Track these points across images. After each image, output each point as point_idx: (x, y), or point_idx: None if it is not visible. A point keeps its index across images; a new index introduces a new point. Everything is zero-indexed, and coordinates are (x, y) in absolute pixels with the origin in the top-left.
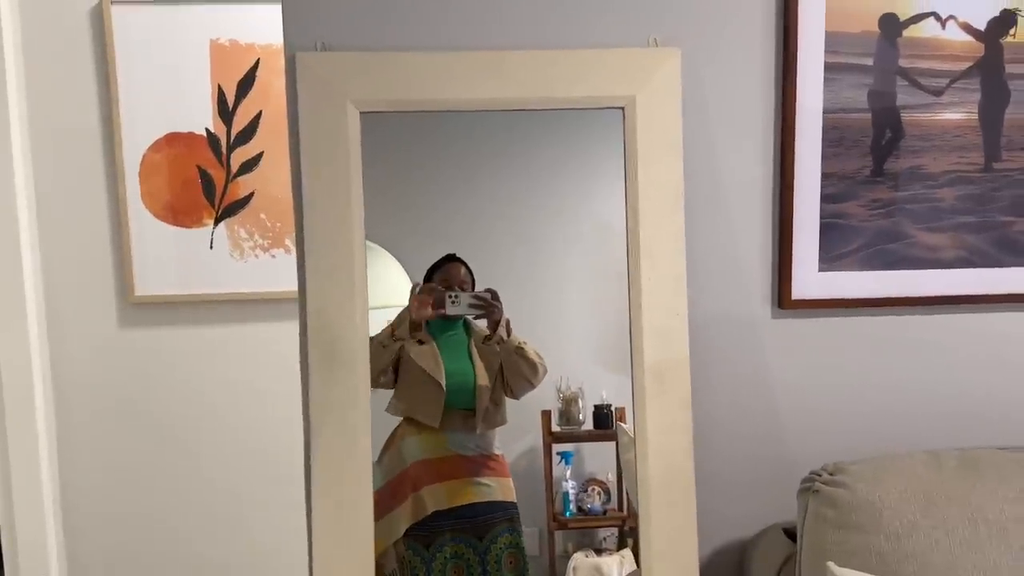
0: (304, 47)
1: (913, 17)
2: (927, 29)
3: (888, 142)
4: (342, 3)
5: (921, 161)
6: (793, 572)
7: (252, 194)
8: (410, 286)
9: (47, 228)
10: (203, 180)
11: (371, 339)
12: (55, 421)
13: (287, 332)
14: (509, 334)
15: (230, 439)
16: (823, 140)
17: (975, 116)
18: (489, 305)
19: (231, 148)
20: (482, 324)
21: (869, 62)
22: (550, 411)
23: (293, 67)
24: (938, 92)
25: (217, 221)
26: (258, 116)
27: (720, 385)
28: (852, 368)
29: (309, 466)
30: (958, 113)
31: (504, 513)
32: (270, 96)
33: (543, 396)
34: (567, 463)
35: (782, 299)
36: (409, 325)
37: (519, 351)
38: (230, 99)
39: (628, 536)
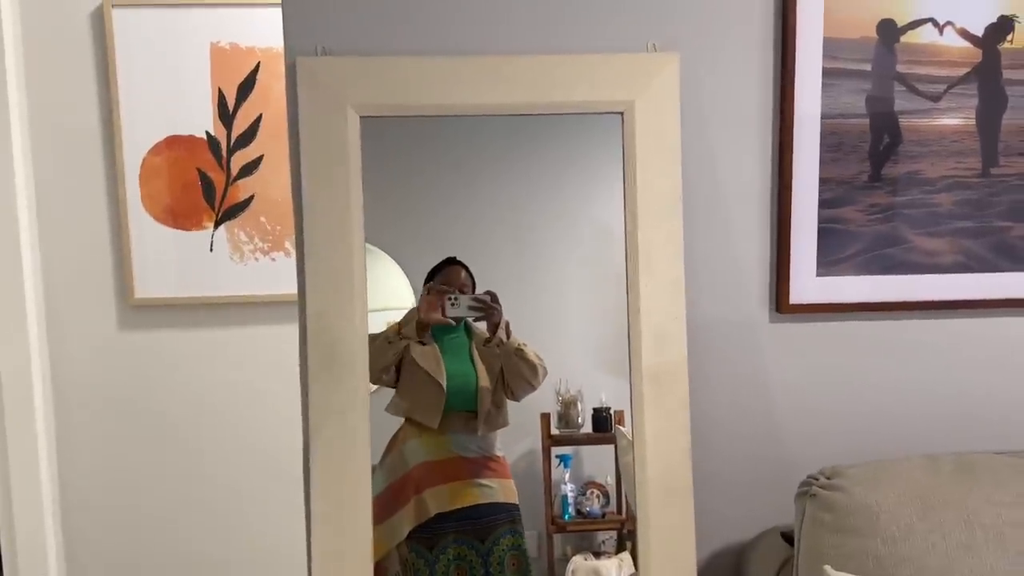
0: (305, 51)
1: (911, 23)
2: (925, 35)
3: (886, 147)
4: (343, 8)
5: (919, 166)
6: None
7: (252, 197)
8: (410, 289)
9: (47, 230)
10: (203, 183)
11: (376, 336)
12: (54, 423)
13: (287, 335)
14: (509, 336)
15: (230, 441)
16: (821, 145)
17: (973, 122)
18: (489, 307)
19: (231, 151)
20: (483, 326)
21: (867, 68)
22: (549, 414)
23: (293, 71)
24: (936, 98)
25: (217, 224)
26: (258, 119)
27: (718, 389)
28: (850, 372)
29: (308, 468)
30: (956, 119)
31: (506, 515)
32: (270, 99)
33: (542, 399)
34: (566, 466)
35: (780, 303)
36: (417, 326)
37: (519, 353)
38: (230, 102)
39: (627, 539)
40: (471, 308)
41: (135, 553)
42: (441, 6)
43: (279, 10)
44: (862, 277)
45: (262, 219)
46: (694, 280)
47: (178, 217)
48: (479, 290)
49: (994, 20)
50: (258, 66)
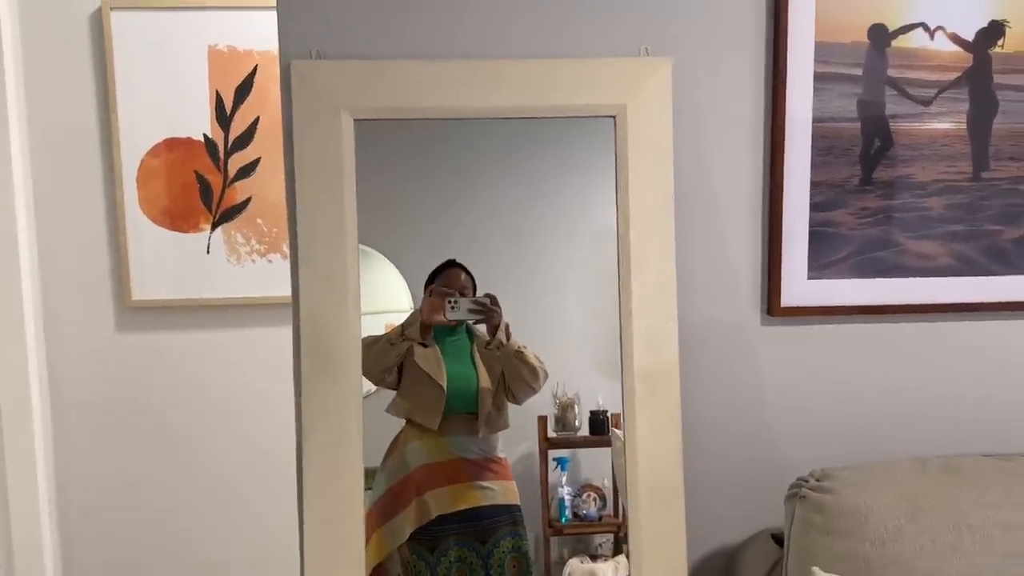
0: (299, 55)
1: (902, 28)
2: (916, 40)
3: (877, 151)
4: (337, 12)
5: (910, 170)
6: None
7: (249, 199)
8: (408, 292)
9: (45, 231)
10: (200, 185)
11: (379, 338)
12: (51, 424)
13: (283, 337)
14: (509, 338)
15: (227, 442)
16: (812, 149)
17: (963, 126)
18: (488, 310)
19: (228, 153)
20: (483, 329)
21: (858, 72)
22: (546, 417)
23: (288, 75)
24: (927, 102)
25: (214, 226)
26: (255, 122)
27: (710, 391)
28: (841, 375)
29: (301, 470)
30: (947, 123)
31: (508, 516)
32: (267, 102)
33: (539, 401)
34: (563, 469)
35: (771, 306)
36: (420, 328)
37: (519, 355)
38: (228, 105)
39: (624, 542)
40: (471, 311)
41: (132, 555)
42: (434, 11)
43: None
44: (853, 280)
45: (259, 221)
46: (686, 282)
47: (175, 219)
48: (479, 293)
49: (984, 25)
50: (255, 69)
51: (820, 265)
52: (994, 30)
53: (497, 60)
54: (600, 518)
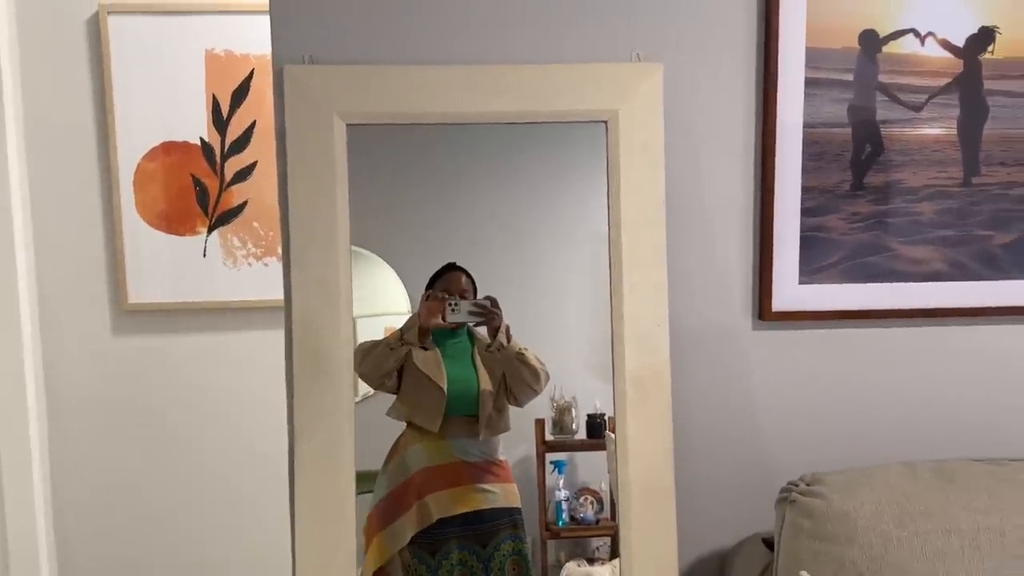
0: (292, 60)
1: (893, 34)
2: (906, 45)
3: (868, 156)
4: (330, 17)
5: (901, 175)
6: None
7: (245, 203)
8: (406, 295)
9: (41, 235)
10: (197, 189)
11: (378, 343)
12: (48, 427)
13: (279, 340)
14: (509, 340)
15: (223, 445)
16: (803, 154)
17: (954, 131)
18: (489, 312)
19: (225, 157)
20: (484, 332)
21: (849, 77)
22: (544, 420)
23: (281, 79)
24: (917, 107)
25: (211, 229)
26: (252, 126)
27: (701, 395)
28: (832, 379)
29: (293, 473)
30: (937, 128)
31: (508, 519)
32: (264, 106)
33: (537, 405)
34: (560, 472)
35: (763, 311)
36: (418, 331)
37: (520, 357)
38: (224, 109)
39: None
40: (471, 313)
41: (128, 556)
42: (427, 17)
43: None
44: (844, 285)
45: (255, 225)
46: (678, 287)
47: (172, 222)
48: (480, 295)
49: (975, 31)
50: (252, 73)
51: (811, 270)
52: (984, 36)
53: (489, 65)
54: (597, 521)
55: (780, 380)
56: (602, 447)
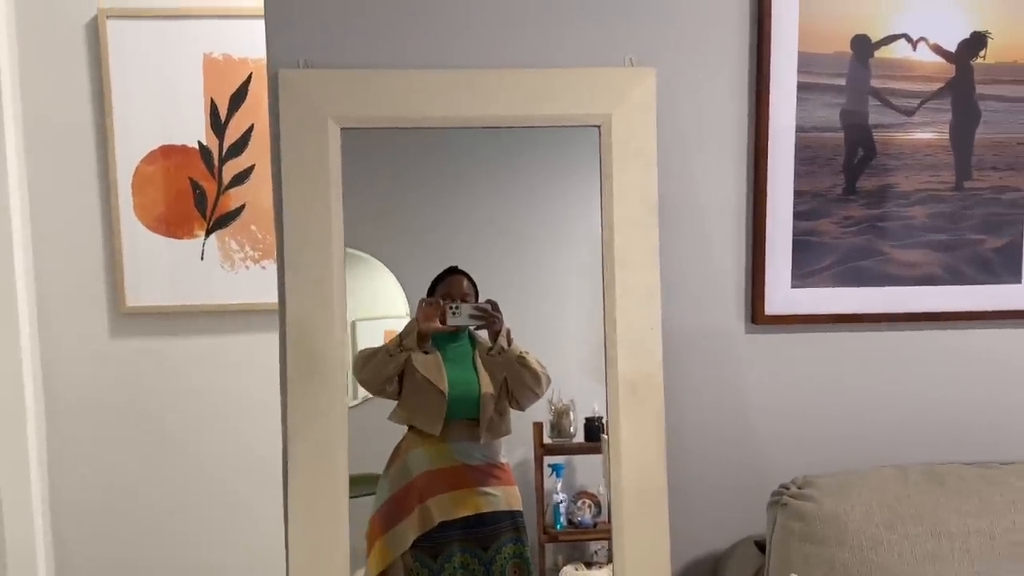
0: (287, 64)
1: (885, 39)
2: (898, 50)
3: (860, 161)
4: (325, 22)
5: (893, 179)
6: None
7: (243, 206)
8: (405, 299)
9: (40, 237)
10: (195, 192)
11: (377, 350)
12: (46, 430)
13: (276, 343)
14: (510, 344)
15: (221, 448)
16: (796, 158)
17: (946, 136)
18: (490, 316)
19: (223, 161)
20: (486, 335)
21: (841, 82)
22: (542, 423)
23: (276, 83)
24: (909, 112)
25: (208, 233)
26: (250, 129)
27: (694, 398)
28: (824, 383)
29: (287, 474)
30: (929, 133)
31: (510, 522)
32: (262, 110)
33: (535, 408)
34: (558, 475)
35: (755, 314)
36: (417, 336)
37: (521, 360)
38: (223, 112)
39: None
40: (472, 317)
41: (126, 558)
42: (421, 22)
43: None
44: (837, 289)
45: (253, 228)
46: (671, 290)
47: (170, 226)
48: (480, 299)
49: (967, 36)
50: (250, 77)
51: (804, 274)
52: (976, 41)
53: (482, 70)
54: (595, 525)
55: (773, 383)
56: (600, 450)
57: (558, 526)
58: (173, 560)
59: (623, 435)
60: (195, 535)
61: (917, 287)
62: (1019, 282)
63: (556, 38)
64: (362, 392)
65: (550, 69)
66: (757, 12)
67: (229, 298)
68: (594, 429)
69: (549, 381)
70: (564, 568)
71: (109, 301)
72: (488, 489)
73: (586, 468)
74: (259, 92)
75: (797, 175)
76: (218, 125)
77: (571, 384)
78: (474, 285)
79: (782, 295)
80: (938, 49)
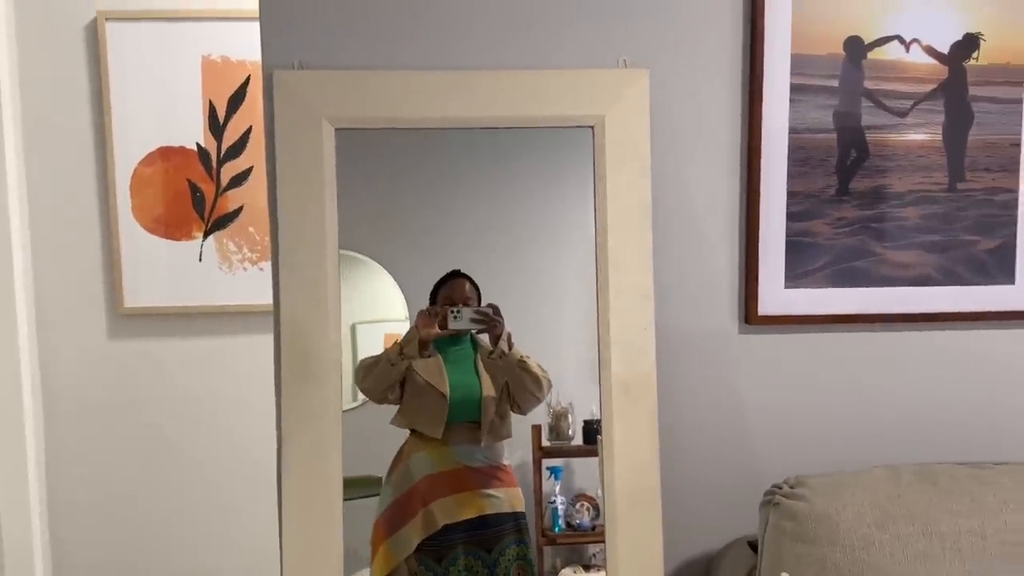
0: (282, 65)
1: (877, 40)
2: (891, 52)
3: (853, 162)
4: (320, 23)
5: (886, 180)
6: None
7: (241, 208)
8: (404, 302)
9: (38, 238)
10: (193, 194)
11: (379, 359)
12: (44, 431)
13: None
14: (511, 348)
15: (218, 449)
16: (789, 159)
17: (939, 137)
18: (490, 320)
19: (221, 162)
20: (487, 338)
21: (834, 84)
22: (540, 426)
23: (271, 84)
24: (902, 113)
25: (206, 234)
26: (248, 131)
27: (688, 399)
28: (818, 383)
29: (281, 475)
30: (922, 134)
31: (513, 524)
32: (260, 112)
33: (534, 410)
34: (556, 478)
35: (749, 315)
36: (418, 344)
37: (522, 364)
38: (221, 114)
39: None
40: (473, 321)
41: (123, 558)
42: (416, 23)
43: None
44: (830, 289)
45: (251, 230)
46: (664, 291)
47: (168, 227)
48: (483, 302)
49: (959, 38)
50: (248, 79)
51: (797, 274)
52: (969, 43)
53: (477, 71)
54: (593, 528)
55: (766, 384)
56: (598, 453)
57: (556, 529)
58: (170, 561)
59: (616, 435)
60: (193, 536)
61: (910, 288)
62: (1012, 283)
63: (551, 40)
64: (360, 395)
65: (544, 70)
66: (750, 14)
67: (227, 300)
68: (592, 432)
69: (550, 385)
70: (562, 571)
71: (107, 302)
72: (491, 491)
73: (584, 471)
74: (257, 94)
75: (790, 176)
76: (216, 127)
77: (569, 387)
78: (476, 288)
79: (775, 296)
80: (931, 51)
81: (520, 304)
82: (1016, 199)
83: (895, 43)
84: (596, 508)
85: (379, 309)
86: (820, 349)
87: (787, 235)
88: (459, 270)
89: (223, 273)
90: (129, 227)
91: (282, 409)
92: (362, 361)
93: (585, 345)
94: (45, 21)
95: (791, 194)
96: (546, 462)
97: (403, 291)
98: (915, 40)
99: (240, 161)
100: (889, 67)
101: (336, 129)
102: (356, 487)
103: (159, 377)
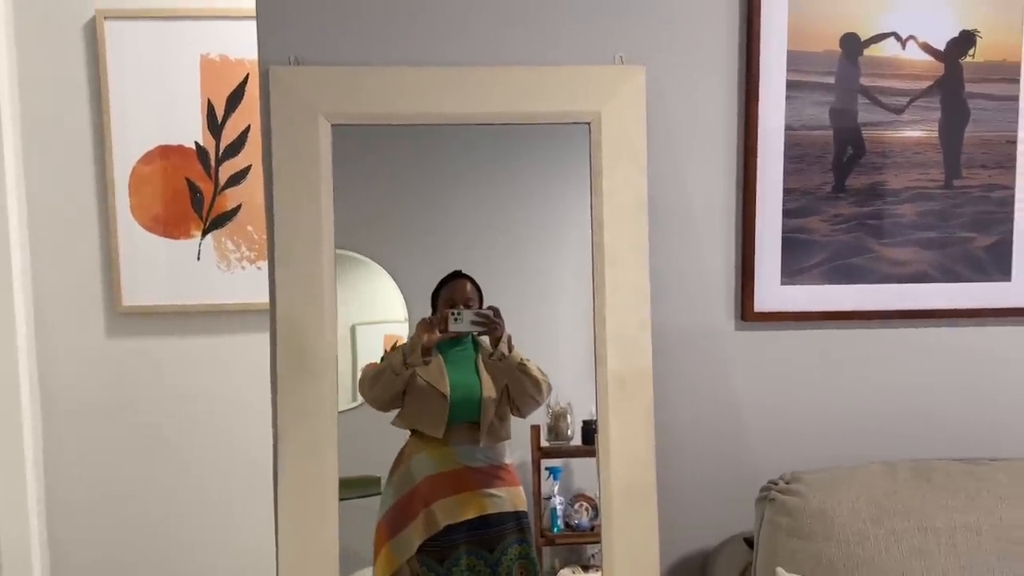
0: (278, 61)
1: (874, 37)
2: (888, 49)
3: (849, 159)
4: (316, 19)
5: (882, 177)
6: None
7: (239, 207)
8: (403, 303)
9: (37, 237)
10: (191, 192)
11: (383, 370)
12: (42, 429)
13: None
14: (511, 350)
15: (216, 448)
16: (785, 156)
17: (935, 134)
18: (491, 322)
19: (219, 161)
20: (487, 340)
21: (831, 80)
22: (539, 426)
23: (267, 80)
24: (899, 110)
25: (205, 233)
26: (246, 130)
27: (684, 395)
28: (814, 379)
29: (277, 471)
30: (918, 131)
31: (515, 523)
32: (258, 111)
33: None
34: (555, 478)
35: (745, 312)
36: (421, 351)
37: (521, 368)
38: (219, 113)
39: None
40: (474, 323)
41: (121, 557)
42: (412, 19)
43: None
44: (826, 286)
45: (249, 228)
46: (660, 288)
47: (166, 226)
48: (485, 302)
49: (956, 35)
50: (247, 78)
51: (793, 271)
52: (965, 40)
53: (472, 67)
54: (592, 528)
55: (763, 380)
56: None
57: (555, 529)
58: (168, 560)
59: (612, 432)
60: (190, 535)
61: (907, 284)
62: (1009, 280)
63: (547, 36)
64: (358, 399)
65: (541, 67)
66: (747, 11)
67: (225, 298)
68: (591, 432)
69: (550, 389)
70: (561, 571)
71: (105, 301)
72: (492, 491)
73: (583, 471)
74: (255, 93)
75: (786, 173)
76: (215, 126)
77: (568, 387)
78: (478, 289)
79: (772, 292)
80: (927, 47)
81: (519, 304)
82: (1012, 196)
83: (891, 40)
84: (595, 508)
85: (378, 310)
86: (816, 346)
87: (783, 232)
88: (460, 271)
89: (221, 272)
90: (127, 226)
91: (278, 406)
92: (364, 373)
93: (584, 345)
94: (44, 19)
95: (787, 191)
96: (545, 462)
97: (402, 292)
98: (911, 37)
99: (238, 160)
100: (885, 64)
101: (332, 125)
102: (355, 487)
103: (157, 376)
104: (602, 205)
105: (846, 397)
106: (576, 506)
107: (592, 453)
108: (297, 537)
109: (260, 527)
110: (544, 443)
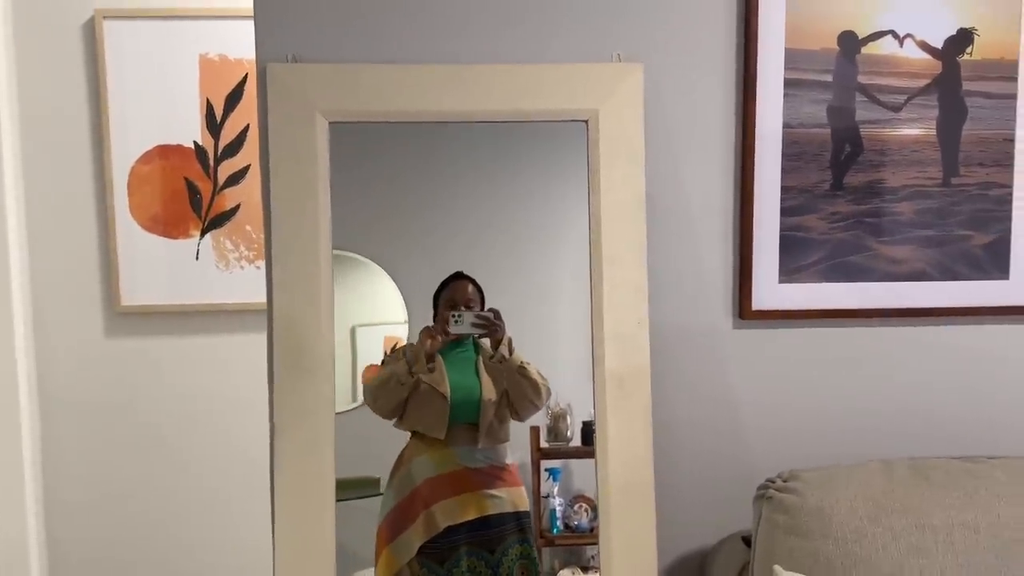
0: (275, 59)
1: (872, 35)
2: (885, 47)
3: (847, 157)
4: (313, 17)
5: (880, 175)
6: None
7: (238, 206)
8: (403, 304)
9: (36, 236)
10: (190, 192)
11: (388, 379)
12: (40, 429)
13: None
14: (511, 353)
15: (215, 448)
16: (783, 154)
17: (933, 132)
18: (491, 324)
19: (218, 161)
20: (487, 342)
21: (828, 78)
22: (539, 427)
23: (264, 78)
24: (896, 108)
25: (203, 232)
26: (245, 130)
27: (682, 394)
28: (811, 378)
29: (273, 469)
30: (916, 129)
31: (515, 523)
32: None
33: None
34: (555, 479)
35: (743, 310)
36: (424, 358)
37: (521, 371)
38: (218, 113)
39: None
40: (474, 325)
41: (120, 558)
42: (409, 17)
43: None
44: (824, 284)
45: (247, 228)
46: (658, 286)
47: (165, 225)
48: (487, 304)
49: (953, 33)
50: (245, 77)
51: (791, 269)
52: (963, 38)
53: (470, 65)
54: (591, 529)
55: (760, 379)
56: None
57: (555, 530)
58: (166, 559)
59: (610, 430)
60: (188, 534)
61: (904, 283)
62: (1006, 278)
63: (545, 34)
64: (359, 399)
65: (538, 64)
66: (744, 9)
67: (224, 298)
68: (590, 433)
69: (549, 393)
70: (560, 572)
71: (104, 300)
72: (493, 491)
73: (583, 472)
74: (254, 92)
75: (784, 171)
76: (214, 125)
77: (568, 388)
78: (479, 290)
79: (769, 290)
80: (925, 46)
81: (519, 304)
82: (1010, 194)
83: (889, 38)
84: (594, 509)
85: (378, 312)
86: (814, 344)
87: (781, 230)
88: (462, 272)
89: (220, 271)
90: (126, 225)
91: (275, 404)
92: (369, 383)
93: (584, 346)
94: (43, 19)
95: (785, 189)
96: (544, 463)
97: (402, 293)
98: (909, 35)
99: (237, 159)
100: (883, 62)
101: (330, 123)
102: (355, 488)
103: (156, 375)
104: (600, 203)
105: (844, 395)
106: (575, 507)
107: (591, 454)
108: (294, 536)
109: (258, 526)
110: (544, 444)
